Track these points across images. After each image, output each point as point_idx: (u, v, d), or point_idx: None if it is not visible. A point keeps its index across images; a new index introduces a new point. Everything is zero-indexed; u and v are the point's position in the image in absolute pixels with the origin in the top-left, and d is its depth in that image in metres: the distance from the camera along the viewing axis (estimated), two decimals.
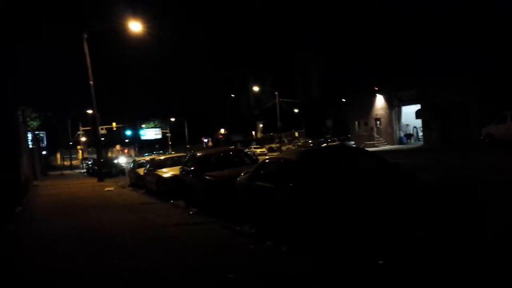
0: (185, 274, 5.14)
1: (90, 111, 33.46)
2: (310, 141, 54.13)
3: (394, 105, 38.70)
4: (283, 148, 54.19)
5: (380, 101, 40.35)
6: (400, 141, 38.40)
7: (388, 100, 39.17)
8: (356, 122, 44.33)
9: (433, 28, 47.12)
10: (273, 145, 60.40)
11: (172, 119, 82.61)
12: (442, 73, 33.47)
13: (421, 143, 36.30)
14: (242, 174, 8.51)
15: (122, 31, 24.55)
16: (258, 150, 53.36)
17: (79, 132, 62.68)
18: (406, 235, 4.71)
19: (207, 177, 10.11)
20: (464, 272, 4.38)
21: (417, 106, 35.46)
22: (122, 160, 39.80)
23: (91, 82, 23.86)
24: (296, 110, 73.27)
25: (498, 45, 32.85)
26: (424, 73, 36.33)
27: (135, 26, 22.66)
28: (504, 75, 27.66)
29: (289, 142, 61.34)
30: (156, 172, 14.90)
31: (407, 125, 39.34)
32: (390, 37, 55.38)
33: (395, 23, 53.87)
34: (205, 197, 10.15)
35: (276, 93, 55.16)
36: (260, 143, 71.00)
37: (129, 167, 25.60)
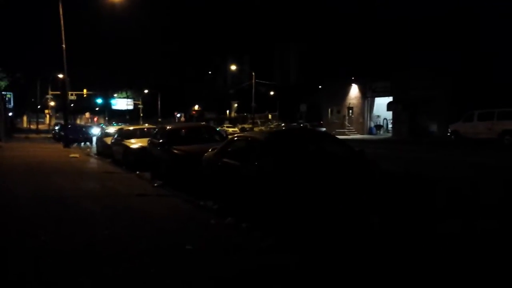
0: (143, 243, 5.14)
1: (60, 75, 32.46)
2: (282, 124, 54.33)
3: (367, 96, 39.26)
4: (256, 129, 54.23)
5: (354, 91, 40.82)
6: (370, 132, 39.12)
7: (362, 90, 39.69)
8: (330, 110, 44.76)
9: (413, 24, 47.59)
10: (246, 126, 60.36)
11: (146, 91, 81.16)
12: (416, 68, 34.07)
13: (390, 135, 37.09)
14: (210, 150, 8.51)
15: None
16: (231, 129, 53.22)
17: (48, 96, 60.81)
18: (362, 219, 4.85)
19: (175, 151, 10.06)
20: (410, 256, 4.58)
21: (389, 99, 36.09)
22: (95, 130, 38.21)
23: (63, 45, 23.14)
24: (272, 93, 73.21)
25: (471, 44, 33.55)
26: (399, 67, 36.91)
27: None
28: (474, 74, 28.43)
29: (262, 124, 61.41)
30: (123, 142, 14.70)
31: (378, 116, 40.05)
32: (371, 29, 55.67)
33: (377, 15, 54.13)
34: (171, 170, 10.10)
35: (253, 73, 54.88)
36: (233, 122, 70.84)
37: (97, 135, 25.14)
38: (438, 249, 4.85)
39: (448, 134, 25.38)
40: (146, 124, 34.67)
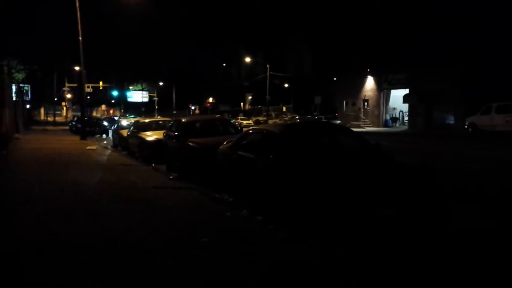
0: (159, 235, 5.21)
1: (77, 68, 32.80)
2: (297, 117, 54.13)
3: (383, 88, 38.85)
4: (270, 121, 54.17)
5: (370, 83, 40.42)
6: (386, 124, 38.75)
7: (377, 82, 39.28)
8: (344, 102, 44.43)
9: (428, 13, 46.77)
10: (260, 118, 60.30)
11: (161, 83, 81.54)
12: (433, 60, 33.54)
13: (406, 127, 36.69)
14: (225, 143, 8.53)
15: None
16: (245, 122, 53.25)
17: (64, 88, 61.57)
18: (379, 212, 4.83)
19: (190, 143, 10.10)
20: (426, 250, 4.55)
21: (405, 91, 35.65)
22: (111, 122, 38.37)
23: (80, 38, 23.35)
24: (286, 85, 72.93)
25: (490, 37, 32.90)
26: (415, 59, 36.34)
27: None
28: (491, 67, 27.88)
29: (276, 116, 61.29)
30: (139, 135, 14.82)
31: (394, 108, 39.62)
32: (386, 18, 54.87)
33: (391, 6, 53.31)
34: (186, 163, 10.17)
35: (268, 66, 54.70)
36: (248, 115, 70.84)
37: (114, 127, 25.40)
38: (453, 244, 4.81)
39: (465, 126, 25.03)
40: (159, 117, 34.77)
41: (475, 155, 14.22)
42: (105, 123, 35.27)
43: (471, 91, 27.86)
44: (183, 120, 12.54)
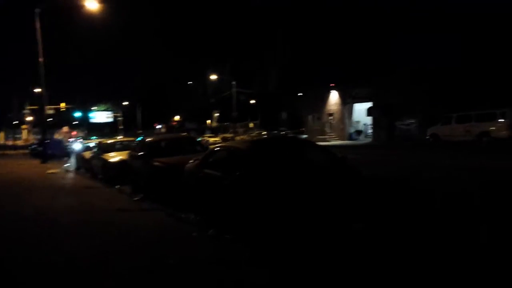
0: (124, 260, 5.01)
1: (38, 90, 31.89)
2: (264, 133, 54.36)
3: (347, 102, 39.61)
4: (237, 138, 54.15)
5: (334, 97, 41.15)
6: (350, 137, 39.41)
7: (341, 96, 40.03)
8: (310, 116, 44.99)
9: (389, 29, 48.47)
10: (228, 135, 60.14)
11: (125, 103, 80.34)
12: (395, 74, 34.58)
13: (370, 140, 37.42)
14: (191, 161, 8.39)
15: (76, 9, 23.60)
16: (212, 139, 53.01)
17: (25, 111, 59.67)
18: (346, 227, 4.81)
19: (156, 163, 9.89)
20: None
21: (369, 104, 36.48)
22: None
23: (41, 59, 22.76)
24: (252, 101, 73.32)
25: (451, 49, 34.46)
26: (377, 74, 37.39)
27: (90, 4, 21.76)
28: (451, 79, 28.98)
29: (244, 133, 61.34)
30: (102, 156, 14.44)
31: (358, 121, 40.41)
32: (349, 34, 56.40)
33: (354, 22, 54.91)
34: (152, 183, 9.93)
35: (233, 82, 54.88)
36: (215, 132, 70.56)
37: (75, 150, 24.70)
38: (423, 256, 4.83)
39: (427, 137, 25.71)
40: (120, 137, 33.88)
41: (437, 165, 14.57)
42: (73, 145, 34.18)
43: (432, 103, 28.78)
44: (148, 139, 12.31)
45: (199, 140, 16.54)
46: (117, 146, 15.82)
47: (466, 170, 12.64)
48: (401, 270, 4.36)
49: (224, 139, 54.87)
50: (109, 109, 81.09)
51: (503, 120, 21.51)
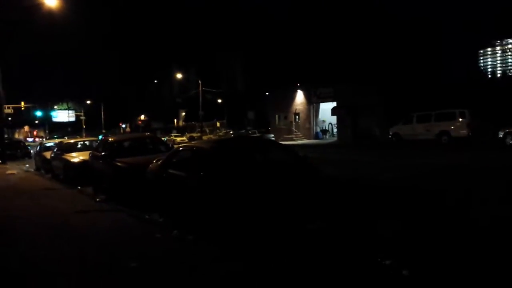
0: (81, 263, 4.89)
1: None
2: (231, 132, 54.34)
3: (312, 102, 40.07)
4: (204, 137, 53.87)
5: (300, 97, 41.54)
6: (316, 136, 39.90)
7: (307, 96, 40.46)
8: (277, 116, 45.24)
9: (353, 34, 49.54)
10: (194, 134, 59.77)
11: (88, 102, 78.42)
12: (359, 74, 35.36)
13: (335, 139, 38.02)
14: (154, 161, 8.29)
15: (35, 7, 22.75)
16: (179, 139, 52.55)
17: None
18: (304, 226, 4.87)
19: (118, 163, 9.71)
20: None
21: (334, 104, 37.05)
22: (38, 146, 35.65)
23: None
24: (219, 101, 73.13)
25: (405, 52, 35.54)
26: (341, 74, 38.12)
27: (50, 1, 21.06)
28: (411, 81, 29.86)
29: (211, 132, 61.15)
30: (63, 157, 14.03)
31: (324, 121, 40.96)
32: (314, 35, 57.19)
33: (320, 23, 55.72)
34: (115, 184, 9.74)
35: (200, 81, 54.53)
36: (181, 131, 69.99)
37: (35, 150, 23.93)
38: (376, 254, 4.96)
39: (390, 136, 26.34)
40: (78, 137, 33.08)
41: (395, 163, 14.98)
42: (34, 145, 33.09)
43: (394, 102, 29.50)
44: (110, 139, 12.06)
45: (165, 140, 16.35)
46: (79, 146, 15.43)
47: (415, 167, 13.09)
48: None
49: (191, 139, 54.56)
50: (71, 108, 78.96)
51: (462, 119, 22.29)
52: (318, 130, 40.57)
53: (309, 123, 40.60)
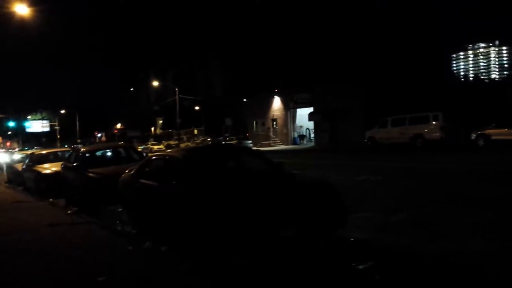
0: (51, 278, 4.73)
1: None
2: (209, 139, 54.10)
3: (289, 107, 40.29)
4: (182, 145, 53.45)
5: (277, 103, 41.73)
6: (294, 142, 40.10)
7: (284, 102, 40.67)
8: (255, 122, 45.31)
9: (328, 39, 50.13)
10: (172, 142, 59.27)
11: (63, 111, 76.92)
12: (335, 79, 35.73)
13: (313, 144, 38.27)
14: (127, 171, 8.12)
15: (8, 14, 22.19)
16: (156, 147, 51.99)
17: None
18: (281, 233, 4.83)
19: (90, 174, 9.51)
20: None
21: (311, 109, 37.32)
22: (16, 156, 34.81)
23: None
24: (197, 108, 72.79)
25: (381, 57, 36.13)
26: (318, 79, 38.48)
27: (22, 9, 20.57)
28: (386, 85, 30.35)
29: (188, 140, 60.75)
30: (35, 168, 13.68)
31: (301, 126, 41.20)
32: (290, 41, 57.60)
33: (295, 29, 56.20)
34: (87, 195, 9.52)
35: (176, 89, 54.17)
36: (159, 139, 69.30)
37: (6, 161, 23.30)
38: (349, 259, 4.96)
39: (365, 140, 26.60)
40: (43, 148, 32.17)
41: (371, 167, 15.16)
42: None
43: (372, 106, 29.84)
44: (82, 149, 11.81)
45: (142, 148, 16.11)
46: (51, 157, 15.06)
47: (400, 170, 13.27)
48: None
49: (168, 147, 54.06)
50: (46, 118, 77.36)
51: (435, 122, 22.66)
52: (296, 135, 40.79)
53: (287, 128, 40.78)
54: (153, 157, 7.84)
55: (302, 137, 40.85)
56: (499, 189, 8.82)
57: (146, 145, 53.98)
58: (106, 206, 8.57)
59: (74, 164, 10.61)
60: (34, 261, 5.46)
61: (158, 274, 4.71)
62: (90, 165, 10.02)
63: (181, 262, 5.01)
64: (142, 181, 7.10)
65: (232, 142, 41.11)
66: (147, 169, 7.41)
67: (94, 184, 9.21)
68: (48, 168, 13.17)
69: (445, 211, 7.17)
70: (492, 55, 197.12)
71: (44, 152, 16.90)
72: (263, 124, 43.76)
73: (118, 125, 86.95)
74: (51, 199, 11.24)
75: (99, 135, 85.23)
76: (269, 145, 39.43)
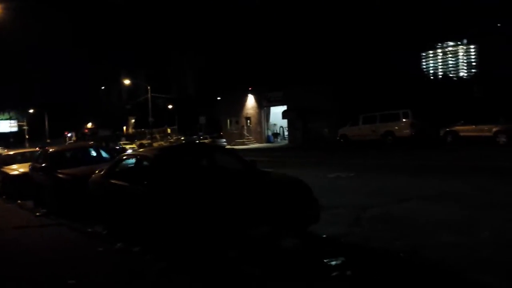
0: (18, 282, 4.61)
1: None
2: (182, 138, 53.68)
3: (263, 105, 40.38)
4: (155, 144, 52.79)
5: (251, 101, 41.74)
6: (268, 140, 40.21)
7: (258, 100, 40.72)
8: (228, 120, 45.20)
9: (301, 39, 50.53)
10: (145, 141, 58.39)
11: (31, 111, 74.82)
12: (307, 78, 36.01)
13: (286, 142, 38.48)
14: (97, 171, 7.98)
15: None
16: (128, 146, 51.18)
17: None
18: (252, 231, 4.85)
19: (59, 175, 9.29)
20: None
21: (284, 107, 37.51)
22: None
23: None
24: (170, 106, 72.07)
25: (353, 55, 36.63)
26: (291, 77, 38.69)
27: None
28: (358, 84, 30.80)
29: (162, 139, 59.98)
30: (2, 169, 13.28)
31: (275, 124, 41.35)
32: (264, 40, 57.77)
33: (269, 28, 56.38)
34: (56, 197, 9.30)
35: (149, 87, 53.48)
36: (131, 138, 68.17)
37: None
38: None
39: (338, 138, 26.95)
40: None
41: (344, 164, 15.38)
42: None
43: (344, 104, 30.20)
44: (51, 149, 11.52)
45: (117, 148, 15.81)
46: (19, 158, 14.65)
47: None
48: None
49: (141, 146, 53.30)
50: (13, 118, 75.12)
51: (405, 120, 23.16)
52: (270, 133, 40.90)
53: (261, 127, 40.85)
54: (124, 157, 7.74)
55: (276, 135, 41.00)
56: (463, 185, 9.10)
57: (119, 144, 52.95)
58: (76, 207, 8.39)
59: (43, 165, 10.35)
60: (2, 265, 5.32)
61: (132, 274, 4.66)
62: (59, 166, 9.79)
63: (157, 261, 4.97)
64: (113, 181, 7.00)
65: (206, 140, 40.96)
66: (117, 169, 7.31)
67: (63, 185, 9.00)
68: (16, 169, 12.81)
69: (415, 206, 7.34)
70: (461, 54, 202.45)
71: (11, 152, 16.43)
72: (237, 122, 43.71)
73: (89, 125, 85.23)
74: (19, 201, 10.99)
75: (69, 135, 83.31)
76: (243, 144, 39.43)
